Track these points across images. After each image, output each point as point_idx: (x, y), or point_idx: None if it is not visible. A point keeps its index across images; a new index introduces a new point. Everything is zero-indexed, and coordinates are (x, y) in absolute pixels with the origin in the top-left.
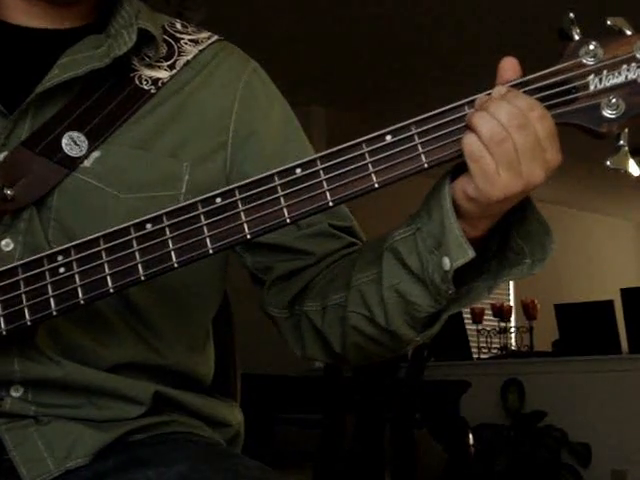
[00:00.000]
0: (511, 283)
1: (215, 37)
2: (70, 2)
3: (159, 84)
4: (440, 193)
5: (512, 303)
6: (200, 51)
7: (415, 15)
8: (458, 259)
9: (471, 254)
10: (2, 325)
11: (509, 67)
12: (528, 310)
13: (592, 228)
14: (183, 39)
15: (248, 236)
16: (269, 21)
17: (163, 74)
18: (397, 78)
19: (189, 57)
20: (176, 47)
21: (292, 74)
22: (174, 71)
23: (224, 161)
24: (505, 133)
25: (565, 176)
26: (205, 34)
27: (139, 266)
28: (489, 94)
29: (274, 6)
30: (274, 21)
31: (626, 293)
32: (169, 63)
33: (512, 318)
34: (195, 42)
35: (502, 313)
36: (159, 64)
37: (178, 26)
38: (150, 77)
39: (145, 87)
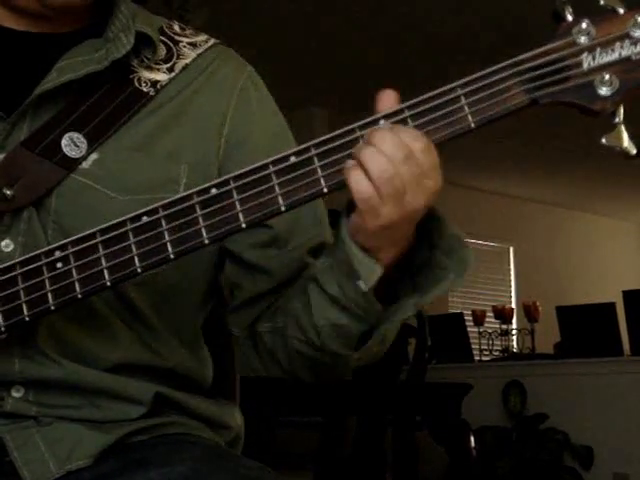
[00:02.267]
0: (513, 285)
1: (212, 40)
2: (56, 15)
3: (158, 87)
4: (340, 227)
5: (514, 305)
6: (198, 55)
7: (417, 17)
8: (369, 279)
9: (379, 271)
10: (1, 321)
11: (387, 100)
12: (530, 312)
13: (594, 230)
14: (182, 42)
15: (243, 225)
16: (270, 23)
17: (162, 77)
18: (399, 80)
19: (187, 60)
20: (175, 50)
21: (294, 76)
22: (173, 74)
23: (217, 165)
24: (393, 169)
25: (566, 178)
26: (203, 37)
27: (135, 258)
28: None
29: (275, 9)
30: (275, 23)
31: (628, 295)
32: (168, 66)
33: (514, 320)
34: (193, 45)
35: (504, 315)
36: (158, 66)
37: (176, 28)
38: (149, 79)
39: (144, 89)
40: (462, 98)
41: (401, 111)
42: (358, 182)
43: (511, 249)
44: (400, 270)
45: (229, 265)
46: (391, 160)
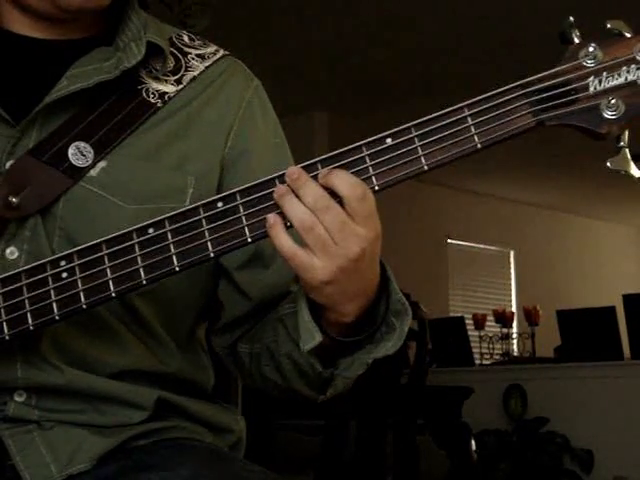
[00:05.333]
0: (513, 289)
1: (221, 52)
2: (70, 18)
3: (165, 98)
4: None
5: (514, 309)
6: (206, 67)
7: (418, 20)
8: (307, 343)
9: (318, 338)
10: (5, 330)
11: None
12: (530, 316)
13: (593, 234)
14: (190, 54)
15: (249, 239)
16: (272, 28)
17: (170, 88)
18: (400, 84)
19: (195, 73)
20: (183, 62)
21: (295, 80)
22: (180, 86)
23: (218, 175)
24: (312, 219)
25: (567, 182)
26: (211, 48)
27: (141, 270)
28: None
29: (277, 14)
30: (277, 28)
31: (628, 299)
32: (176, 78)
33: (514, 324)
34: (202, 57)
35: (504, 319)
36: (166, 78)
37: (185, 39)
38: (157, 90)
39: (152, 100)
40: (469, 119)
41: (408, 130)
42: (282, 240)
43: (511, 253)
44: (362, 323)
45: (221, 282)
46: (311, 209)
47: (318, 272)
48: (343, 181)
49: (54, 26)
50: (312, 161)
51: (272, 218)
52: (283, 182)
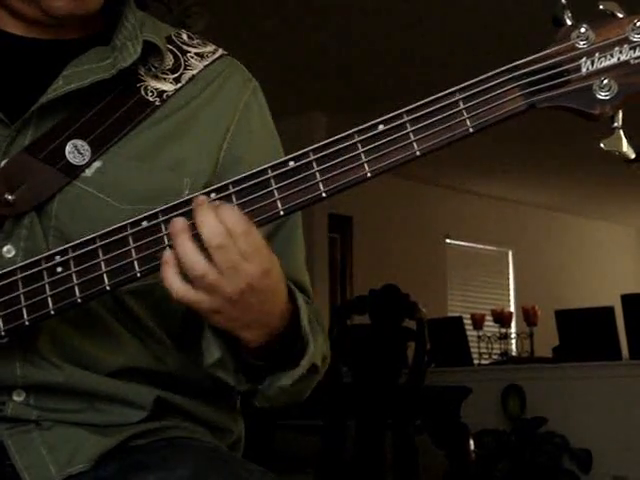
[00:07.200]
0: (512, 289)
1: (220, 52)
2: (61, 23)
3: (164, 97)
4: None
5: (512, 309)
6: (205, 66)
7: (415, 21)
8: (208, 359)
9: (216, 355)
10: (1, 325)
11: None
12: (528, 316)
13: (593, 234)
14: (189, 52)
15: None
16: (269, 28)
17: (168, 87)
18: (397, 83)
19: (194, 72)
20: (182, 60)
21: (292, 80)
22: (179, 85)
23: (213, 178)
24: (206, 267)
25: (565, 182)
26: (210, 48)
27: (135, 263)
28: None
29: (275, 14)
30: (274, 28)
31: (626, 299)
32: (175, 76)
33: (512, 324)
34: (201, 56)
35: (502, 319)
36: (165, 76)
37: (184, 37)
38: (156, 89)
39: (150, 98)
40: (460, 103)
41: (400, 116)
42: (172, 282)
43: (510, 253)
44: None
45: None
46: (208, 250)
47: (206, 305)
48: (228, 216)
49: (48, 28)
50: (303, 150)
51: (168, 253)
52: (276, 171)
